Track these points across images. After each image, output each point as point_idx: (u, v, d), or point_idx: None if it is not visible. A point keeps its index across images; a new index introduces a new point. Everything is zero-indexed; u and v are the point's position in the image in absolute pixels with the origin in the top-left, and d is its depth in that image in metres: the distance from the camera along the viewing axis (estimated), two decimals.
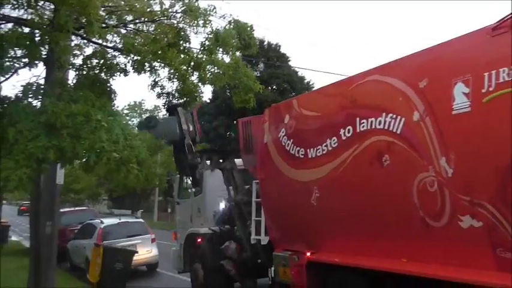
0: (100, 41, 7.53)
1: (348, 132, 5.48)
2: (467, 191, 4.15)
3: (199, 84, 8.32)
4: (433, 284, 4.42)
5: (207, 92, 38.45)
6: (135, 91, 67.12)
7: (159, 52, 7.58)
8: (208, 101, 34.18)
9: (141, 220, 15.70)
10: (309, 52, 73.64)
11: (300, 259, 6.28)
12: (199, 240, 9.39)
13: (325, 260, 5.91)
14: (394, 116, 4.87)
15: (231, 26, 7.63)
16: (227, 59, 8.22)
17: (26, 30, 6.62)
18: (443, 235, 4.42)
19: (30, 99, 6.74)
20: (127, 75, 7.82)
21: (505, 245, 3.90)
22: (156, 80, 8.36)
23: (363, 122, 5.27)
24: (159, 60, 7.86)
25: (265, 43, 32.73)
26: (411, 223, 4.73)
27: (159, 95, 8.64)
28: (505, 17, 4.05)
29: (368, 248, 5.33)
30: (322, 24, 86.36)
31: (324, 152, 5.86)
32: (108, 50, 7.80)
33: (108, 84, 7.67)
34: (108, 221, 14.29)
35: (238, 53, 8.29)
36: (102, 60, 7.60)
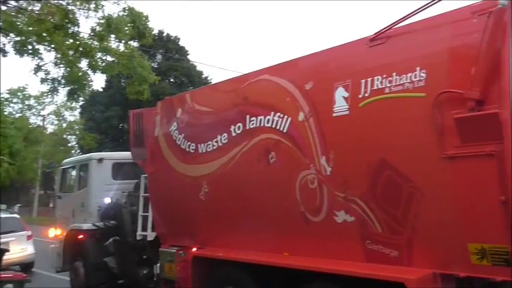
0: None
1: (238, 129, 5.58)
2: (342, 188, 4.46)
3: (89, 71, 7.92)
4: (313, 276, 4.67)
5: (100, 81, 36.61)
6: (19, 74, 61.38)
7: (44, 34, 7.07)
8: (101, 89, 32.62)
9: (16, 215, 14.45)
10: (209, 47, 73.63)
11: (186, 255, 6.25)
12: (81, 236, 8.90)
13: (209, 255, 5.95)
14: (282, 115, 5.07)
15: (125, 13, 7.36)
16: (123, 47, 7.95)
17: None
18: (321, 229, 4.70)
19: None
20: (6, 55, 7.19)
21: (372, 237, 4.27)
22: (40, 64, 7.79)
23: (253, 120, 5.40)
24: (44, 43, 7.33)
25: (165, 34, 32.09)
26: (293, 218, 4.96)
27: (43, 81, 8.04)
28: (381, 30, 4.40)
29: (253, 243, 5.48)
30: (222, 21, 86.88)
31: (214, 148, 5.90)
32: None
33: None
34: None
35: (134, 43, 8.04)
36: None
